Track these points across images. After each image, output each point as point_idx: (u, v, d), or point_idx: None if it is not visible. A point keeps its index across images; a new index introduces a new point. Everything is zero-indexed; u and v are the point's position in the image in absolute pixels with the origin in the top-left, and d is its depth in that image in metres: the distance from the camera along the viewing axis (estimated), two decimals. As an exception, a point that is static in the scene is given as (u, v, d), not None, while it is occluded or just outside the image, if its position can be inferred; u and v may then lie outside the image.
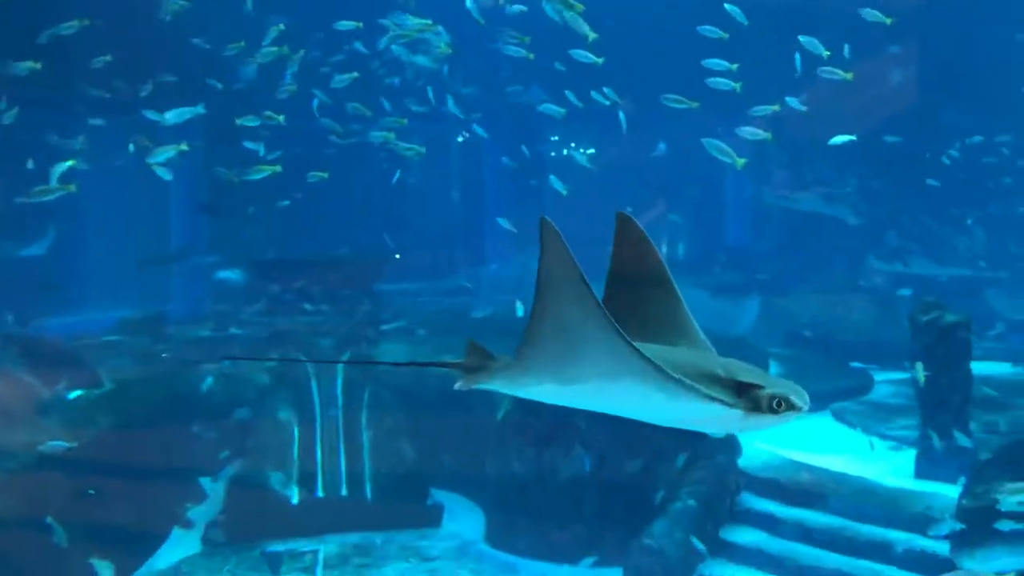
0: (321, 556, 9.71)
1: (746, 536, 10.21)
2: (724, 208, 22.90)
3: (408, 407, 11.91)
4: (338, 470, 11.10)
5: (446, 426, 11.90)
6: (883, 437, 11.74)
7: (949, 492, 9.32)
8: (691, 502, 10.11)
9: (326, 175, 13.29)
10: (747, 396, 3.23)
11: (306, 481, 10.87)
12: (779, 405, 3.23)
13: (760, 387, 3.25)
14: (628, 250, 3.85)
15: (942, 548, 8.77)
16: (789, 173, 20.15)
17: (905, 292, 17.87)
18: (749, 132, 11.43)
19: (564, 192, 13.97)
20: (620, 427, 11.04)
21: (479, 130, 17.10)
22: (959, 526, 8.60)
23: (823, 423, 13.10)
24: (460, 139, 22.26)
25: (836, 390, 13.70)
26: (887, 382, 14.04)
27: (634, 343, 3.06)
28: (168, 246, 18.84)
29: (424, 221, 20.97)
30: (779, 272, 18.45)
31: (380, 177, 18.62)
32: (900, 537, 9.28)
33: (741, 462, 11.08)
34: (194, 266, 17.63)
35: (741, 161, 10.69)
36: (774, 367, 14.89)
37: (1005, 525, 8.32)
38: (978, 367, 16.10)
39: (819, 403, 13.60)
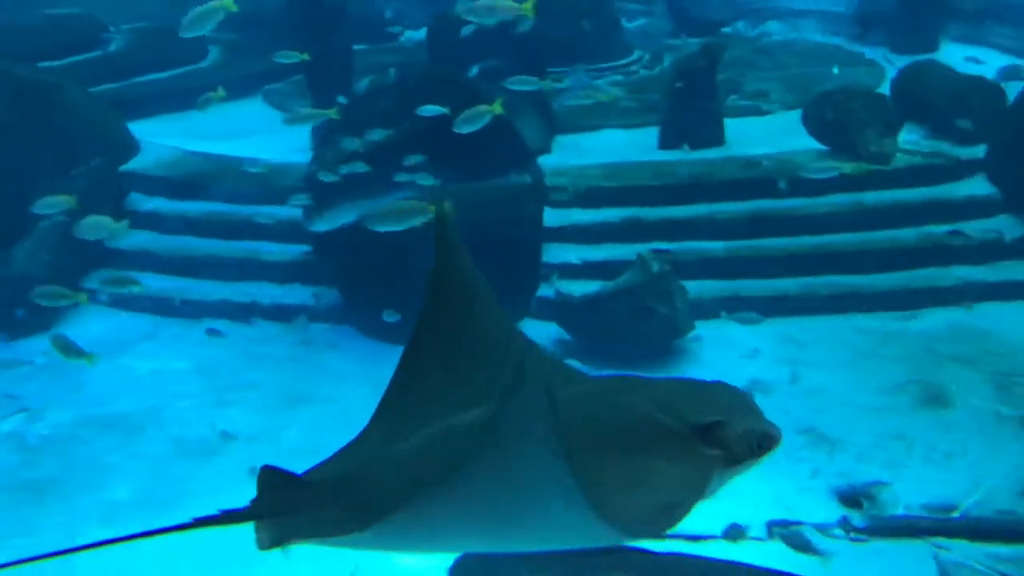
0: None
1: (133, 240, 9.78)
2: None
3: None
4: None
5: None
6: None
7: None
8: (60, 218, 9.36)
9: None
10: (715, 443, 2.33)
11: None
12: (759, 447, 2.37)
13: (723, 424, 2.34)
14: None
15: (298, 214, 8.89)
16: None
17: None
18: None
19: None
20: None
21: None
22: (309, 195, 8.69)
23: (253, 107, 12.70)
24: None
25: (271, 70, 13.13)
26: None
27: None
28: None
29: None
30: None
31: None
32: (268, 211, 9.38)
33: (134, 163, 10.44)
34: None
35: None
36: (214, 51, 13.99)
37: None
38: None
39: (252, 85, 13.13)
